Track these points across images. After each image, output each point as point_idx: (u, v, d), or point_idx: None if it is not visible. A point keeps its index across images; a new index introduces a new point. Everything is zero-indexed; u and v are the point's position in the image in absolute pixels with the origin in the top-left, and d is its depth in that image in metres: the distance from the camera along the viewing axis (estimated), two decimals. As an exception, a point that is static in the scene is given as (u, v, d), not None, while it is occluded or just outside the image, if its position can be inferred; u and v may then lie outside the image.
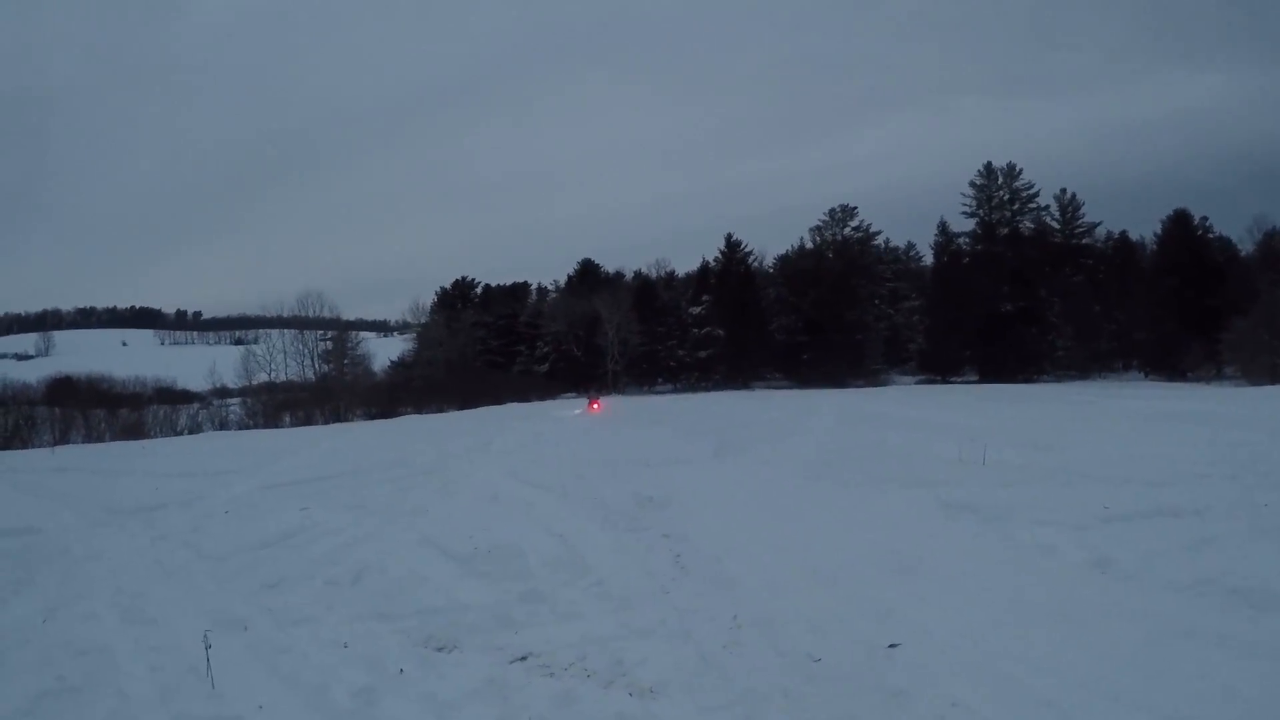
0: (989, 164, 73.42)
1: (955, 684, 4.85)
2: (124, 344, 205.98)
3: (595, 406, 40.50)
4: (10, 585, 8.39)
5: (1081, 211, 75.01)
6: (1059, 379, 62.98)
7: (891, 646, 5.50)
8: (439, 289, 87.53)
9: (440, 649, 5.98)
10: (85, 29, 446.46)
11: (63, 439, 33.21)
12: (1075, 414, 24.50)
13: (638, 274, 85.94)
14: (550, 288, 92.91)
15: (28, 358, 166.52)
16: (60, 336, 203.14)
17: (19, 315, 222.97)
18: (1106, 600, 6.28)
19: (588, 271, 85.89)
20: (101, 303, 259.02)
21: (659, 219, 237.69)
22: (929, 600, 6.42)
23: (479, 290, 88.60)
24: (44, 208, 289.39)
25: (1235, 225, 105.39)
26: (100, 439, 34.05)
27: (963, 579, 6.96)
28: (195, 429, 38.52)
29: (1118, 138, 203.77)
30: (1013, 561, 7.52)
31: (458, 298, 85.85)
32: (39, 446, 30.97)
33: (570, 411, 38.13)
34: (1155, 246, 69.83)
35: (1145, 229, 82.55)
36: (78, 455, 24.23)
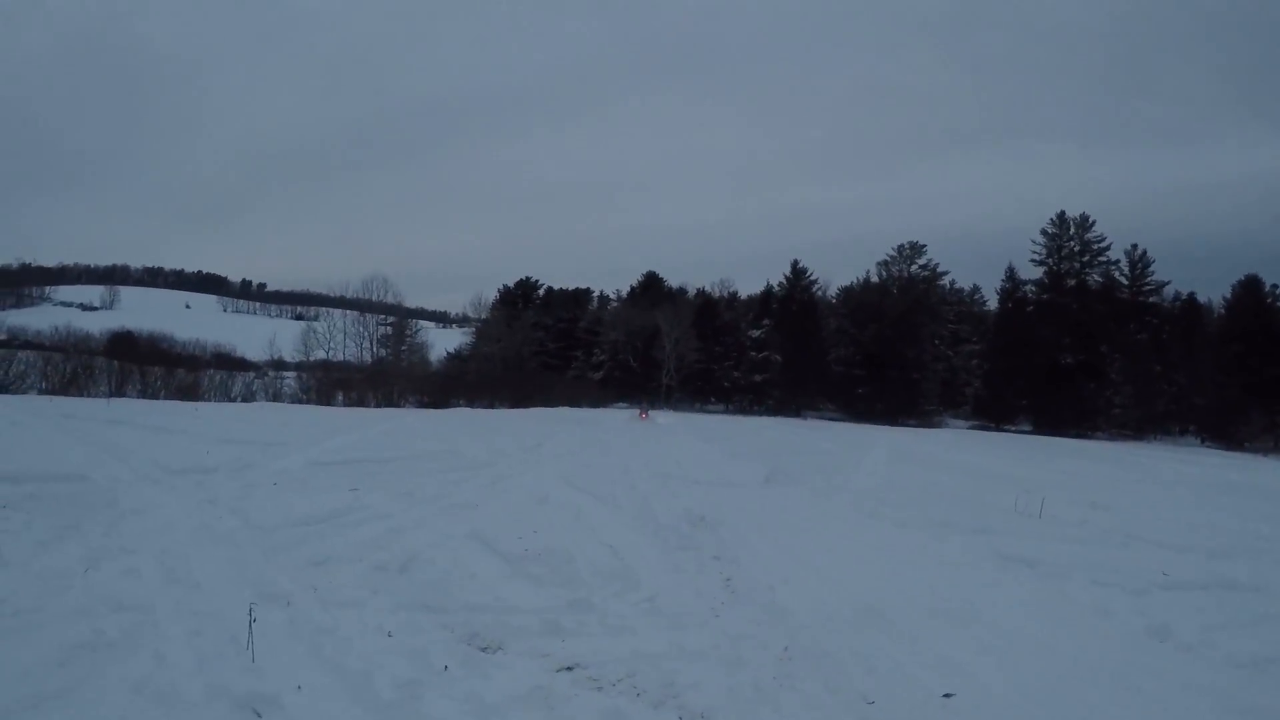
0: (1062, 213, 72.80)
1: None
2: (187, 306, 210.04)
3: (644, 416, 42.51)
4: (55, 530, 8.35)
5: (1151, 269, 73.98)
6: (1114, 437, 62.12)
7: (946, 696, 5.34)
8: (502, 286, 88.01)
9: (485, 649, 5.88)
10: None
11: (118, 392, 33.51)
12: (1132, 474, 24.16)
13: (700, 291, 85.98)
14: (612, 297, 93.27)
15: (93, 309, 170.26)
16: (126, 292, 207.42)
17: (88, 267, 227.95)
18: (1165, 670, 6.09)
19: (651, 284, 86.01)
20: (169, 264, 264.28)
21: (726, 238, 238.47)
22: (985, 652, 6.24)
23: (541, 291, 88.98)
24: (124, 165, 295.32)
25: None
26: (155, 396, 34.33)
27: (1019, 634, 6.76)
28: (249, 397, 38.75)
29: (1193, 196, 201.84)
30: (1070, 621, 7.32)
31: (520, 297, 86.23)
32: (95, 396, 31.28)
33: (621, 418, 38.89)
34: (1223, 310, 68.78)
35: (1214, 291, 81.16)
36: (132, 409, 24.36)
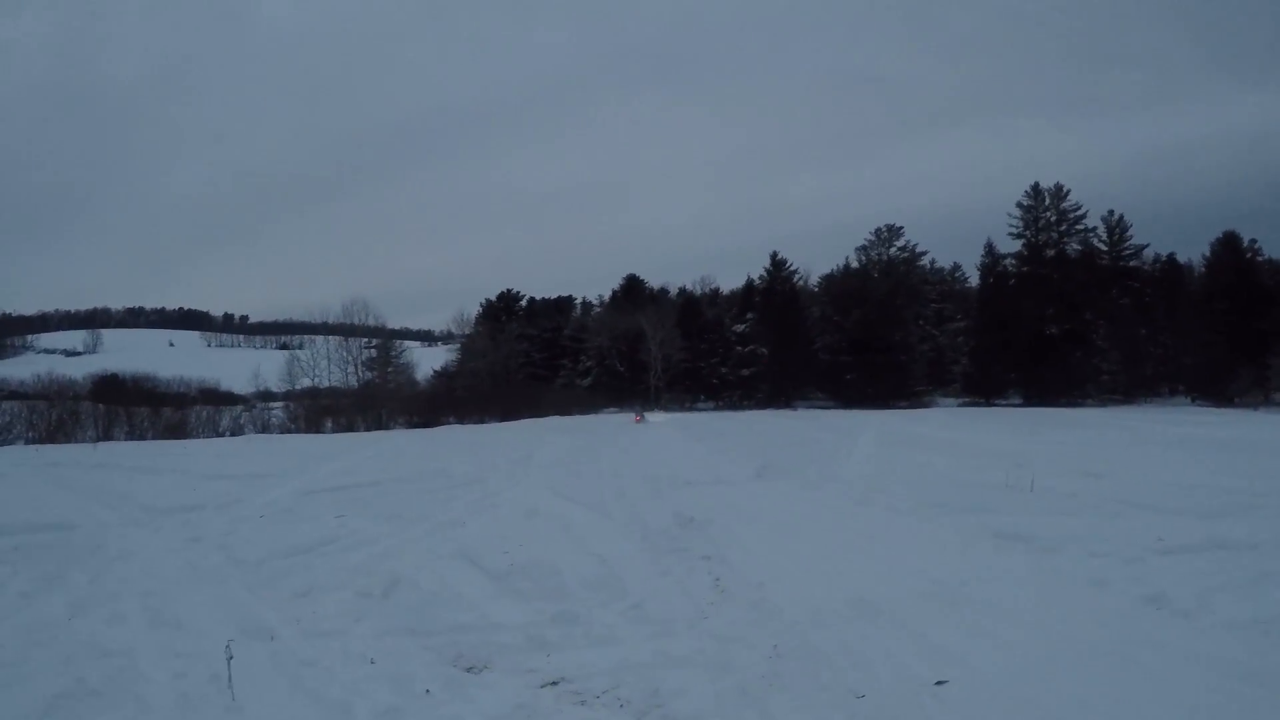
0: (1036, 185, 72.59)
1: (1007, 729, 4.60)
2: (171, 344, 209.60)
3: (639, 420, 43.46)
4: (40, 581, 8.34)
5: (1129, 233, 74.11)
6: (1104, 403, 62.09)
7: (939, 684, 5.25)
8: (484, 300, 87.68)
9: (470, 669, 5.83)
10: (150, 33, 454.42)
11: (106, 435, 33.45)
12: (1123, 440, 24.11)
13: (682, 290, 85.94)
14: (595, 302, 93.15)
15: (76, 354, 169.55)
16: (108, 335, 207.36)
17: (69, 312, 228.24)
18: (1163, 639, 5.98)
19: (632, 287, 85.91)
20: (150, 303, 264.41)
21: (705, 236, 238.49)
22: (978, 635, 6.15)
23: (524, 303, 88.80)
24: (98, 207, 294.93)
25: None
26: (143, 437, 34.26)
27: (1014, 613, 6.68)
28: (237, 431, 38.73)
29: (1167, 158, 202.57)
30: (1065, 595, 7.23)
31: (502, 310, 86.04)
32: (81, 442, 31.19)
33: (611, 424, 39.22)
34: (1204, 269, 68.65)
35: (1194, 251, 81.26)
36: (119, 452, 24.32)
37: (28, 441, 30.98)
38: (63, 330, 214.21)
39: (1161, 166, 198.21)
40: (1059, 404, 58.36)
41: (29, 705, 5.12)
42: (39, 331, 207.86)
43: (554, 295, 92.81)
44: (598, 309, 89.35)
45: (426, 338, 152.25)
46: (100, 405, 37.72)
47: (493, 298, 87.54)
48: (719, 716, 4.93)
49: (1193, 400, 61.59)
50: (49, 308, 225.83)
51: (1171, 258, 72.84)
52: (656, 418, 46.20)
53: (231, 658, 5.43)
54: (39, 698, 5.23)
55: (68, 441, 31.23)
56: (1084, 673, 5.38)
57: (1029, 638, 6.09)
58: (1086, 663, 5.55)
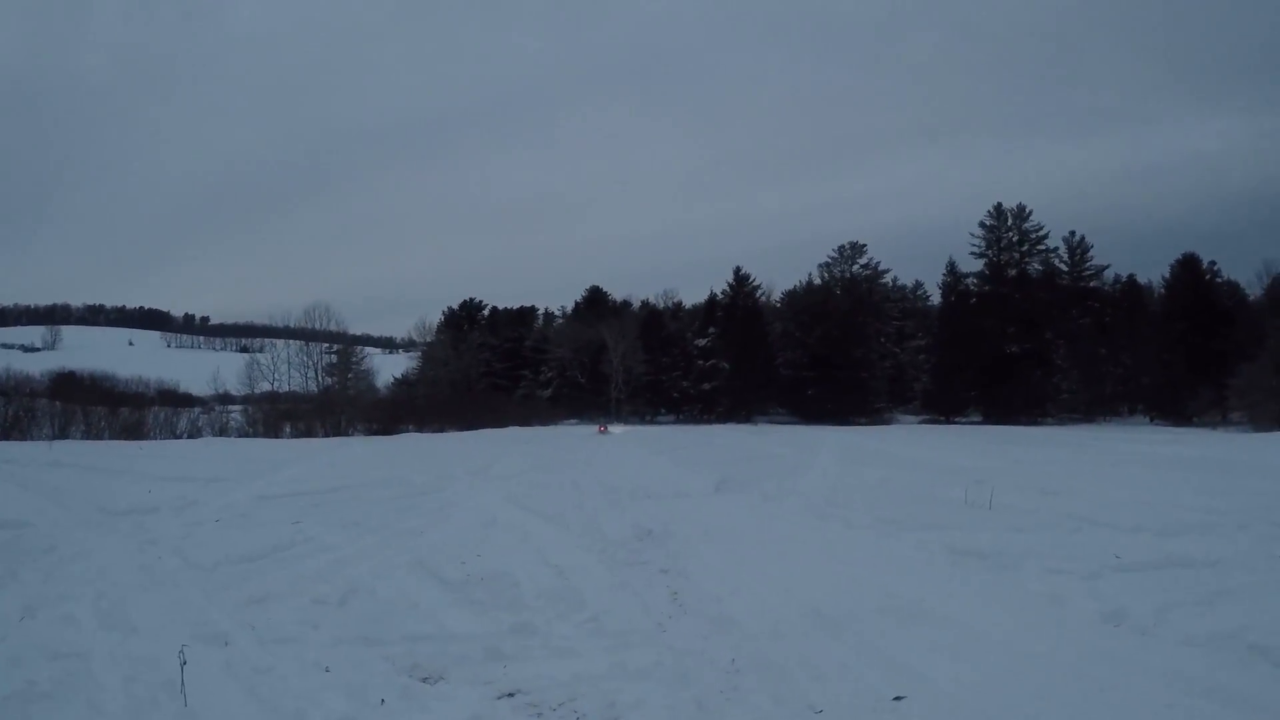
0: (999, 205, 73.49)
1: (964, 747, 4.62)
2: (130, 344, 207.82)
3: (603, 430, 44.64)
4: (-9, 579, 8.22)
5: (1090, 254, 75.28)
6: (1063, 422, 62.95)
7: (896, 699, 5.25)
8: (446, 309, 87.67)
9: (425, 679, 5.78)
10: (117, 30, 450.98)
11: (62, 434, 33.10)
12: (1081, 458, 24.40)
13: (645, 304, 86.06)
14: (557, 313, 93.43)
15: (34, 350, 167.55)
16: (67, 332, 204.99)
17: (28, 308, 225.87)
18: (1121, 655, 6.03)
19: (595, 299, 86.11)
20: (111, 301, 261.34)
21: (669, 249, 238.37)
22: (936, 650, 6.16)
23: (486, 312, 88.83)
24: (61, 203, 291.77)
25: (1244, 270, 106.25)
26: (99, 436, 33.95)
27: (972, 629, 6.70)
28: (195, 433, 38.47)
29: (1128, 180, 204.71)
30: (1023, 611, 7.28)
31: (465, 319, 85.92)
32: (37, 439, 30.83)
33: (573, 435, 39.46)
34: (1163, 290, 69.78)
35: (1154, 273, 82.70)
36: (75, 451, 24.05)
37: (-19, 437, 30.63)
38: (21, 325, 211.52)
39: (1124, 189, 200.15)
40: (1019, 422, 59.05)
41: (-24, 708, 5.03)
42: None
43: (516, 305, 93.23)
44: (560, 320, 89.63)
45: (388, 345, 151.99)
46: (57, 403, 37.42)
47: (455, 306, 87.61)
48: (675, 729, 4.91)
49: (1151, 419, 62.58)
50: (7, 302, 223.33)
51: (1132, 279, 73.97)
52: (616, 429, 46.98)
53: (185, 663, 5.36)
54: (-12, 700, 5.14)
55: (23, 439, 30.95)
56: (1042, 689, 5.39)
57: (987, 654, 6.10)
58: (1045, 679, 5.57)
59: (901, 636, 6.53)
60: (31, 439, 30.97)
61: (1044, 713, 5.02)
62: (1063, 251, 74.92)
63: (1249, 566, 8.62)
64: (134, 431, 35.91)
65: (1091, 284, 74.81)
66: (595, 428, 47.69)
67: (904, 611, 7.23)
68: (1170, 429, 50.00)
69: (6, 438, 30.75)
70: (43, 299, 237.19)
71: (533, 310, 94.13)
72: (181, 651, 5.48)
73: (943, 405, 69.72)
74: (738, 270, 78.02)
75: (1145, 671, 5.67)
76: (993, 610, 7.32)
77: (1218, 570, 8.53)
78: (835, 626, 6.80)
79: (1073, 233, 75.48)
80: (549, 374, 76.90)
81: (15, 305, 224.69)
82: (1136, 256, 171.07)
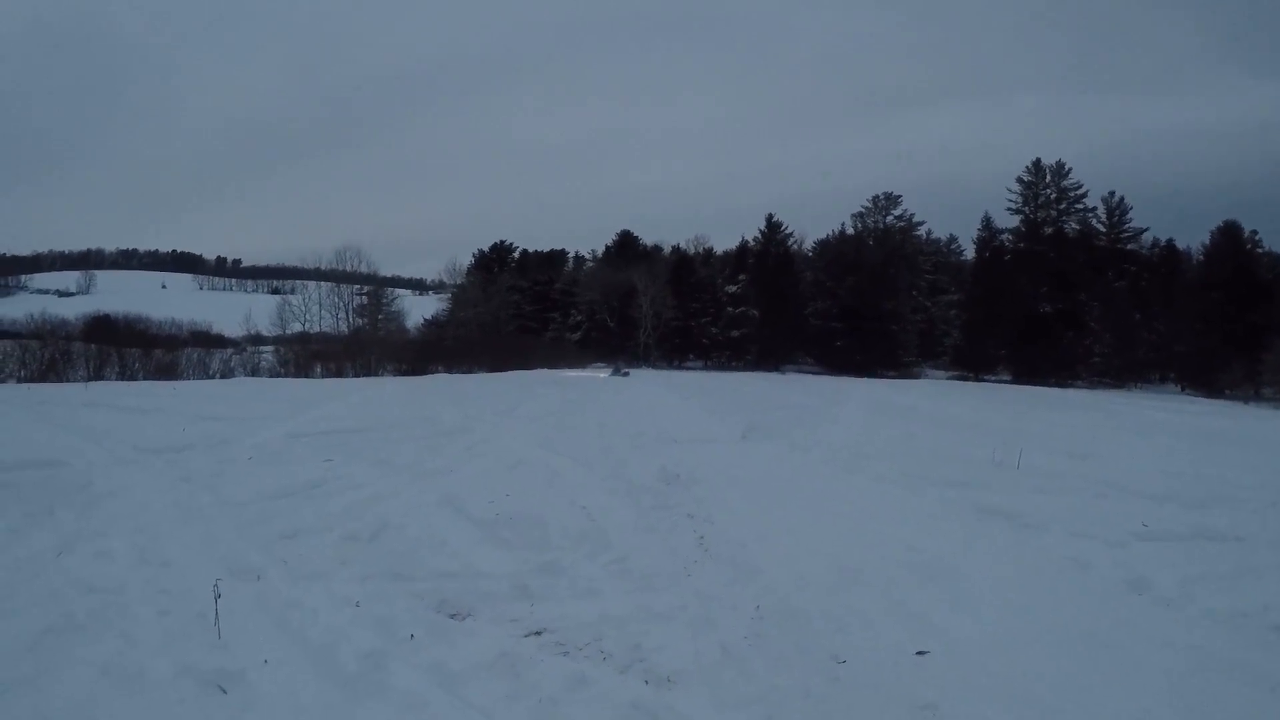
0: (1038, 161, 72.49)
1: (986, 704, 4.61)
2: (163, 287, 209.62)
3: (627, 374, 45.01)
4: (28, 517, 8.32)
5: (1129, 216, 74.13)
6: (1093, 385, 62.27)
7: (919, 654, 5.28)
8: (476, 251, 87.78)
9: (453, 616, 5.85)
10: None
11: (97, 375, 33.39)
12: (1111, 423, 24.21)
13: (675, 249, 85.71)
14: (588, 257, 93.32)
15: (69, 295, 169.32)
16: (102, 276, 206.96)
17: (63, 253, 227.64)
18: (1143, 625, 6.01)
19: (626, 243, 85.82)
20: (144, 245, 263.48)
21: (701, 196, 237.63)
22: (959, 608, 6.17)
23: (516, 255, 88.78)
24: (94, 150, 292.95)
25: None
26: (133, 377, 34.19)
27: (995, 589, 6.69)
28: (227, 373, 38.66)
29: (1172, 142, 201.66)
30: (1047, 574, 7.26)
31: (495, 261, 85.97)
32: (73, 381, 31.14)
33: (599, 378, 39.73)
34: (1202, 257, 68.60)
35: (1193, 238, 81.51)
36: (109, 392, 24.28)
37: (19, 380, 30.95)
38: (56, 271, 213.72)
39: (1166, 152, 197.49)
40: (1048, 383, 58.41)
41: (16, 639, 5.13)
42: (32, 272, 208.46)
43: (546, 248, 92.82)
44: (590, 264, 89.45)
45: (418, 286, 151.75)
46: (92, 345, 37.62)
47: (485, 249, 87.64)
48: (700, 673, 4.94)
49: (1182, 389, 61.63)
50: (43, 248, 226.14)
51: (1170, 243, 72.87)
52: (635, 373, 47.62)
53: (219, 596, 5.45)
54: (26, 632, 5.24)
55: (59, 380, 31.19)
56: (1063, 652, 5.39)
57: (1009, 614, 6.10)
58: (1065, 643, 5.57)
59: (925, 592, 6.55)
60: (67, 381, 31.26)
61: (1063, 675, 5.02)
62: (1101, 212, 73.98)
63: (1277, 545, 8.56)
64: (167, 372, 36.17)
65: (1129, 246, 73.74)
66: (611, 371, 48.01)
67: (928, 567, 7.23)
68: (1201, 400, 49.28)
69: (43, 380, 31.02)
70: (76, 244, 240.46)
71: (563, 254, 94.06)
72: (216, 585, 5.57)
73: (972, 362, 69.23)
74: (770, 217, 77.54)
75: (1166, 643, 5.65)
76: (1016, 571, 7.32)
77: (1245, 546, 8.48)
78: (859, 578, 6.82)
79: (1112, 193, 74.48)
80: (578, 317, 76.83)
81: (50, 250, 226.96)
82: (1177, 221, 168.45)
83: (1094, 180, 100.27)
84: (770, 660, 5.17)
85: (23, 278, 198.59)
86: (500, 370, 45.81)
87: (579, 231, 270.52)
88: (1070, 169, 71.99)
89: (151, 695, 4.51)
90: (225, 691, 4.55)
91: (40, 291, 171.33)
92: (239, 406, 19.80)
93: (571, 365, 54.65)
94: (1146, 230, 74.21)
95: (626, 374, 45.07)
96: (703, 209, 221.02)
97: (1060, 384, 60.00)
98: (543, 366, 50.12)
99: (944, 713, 4.52)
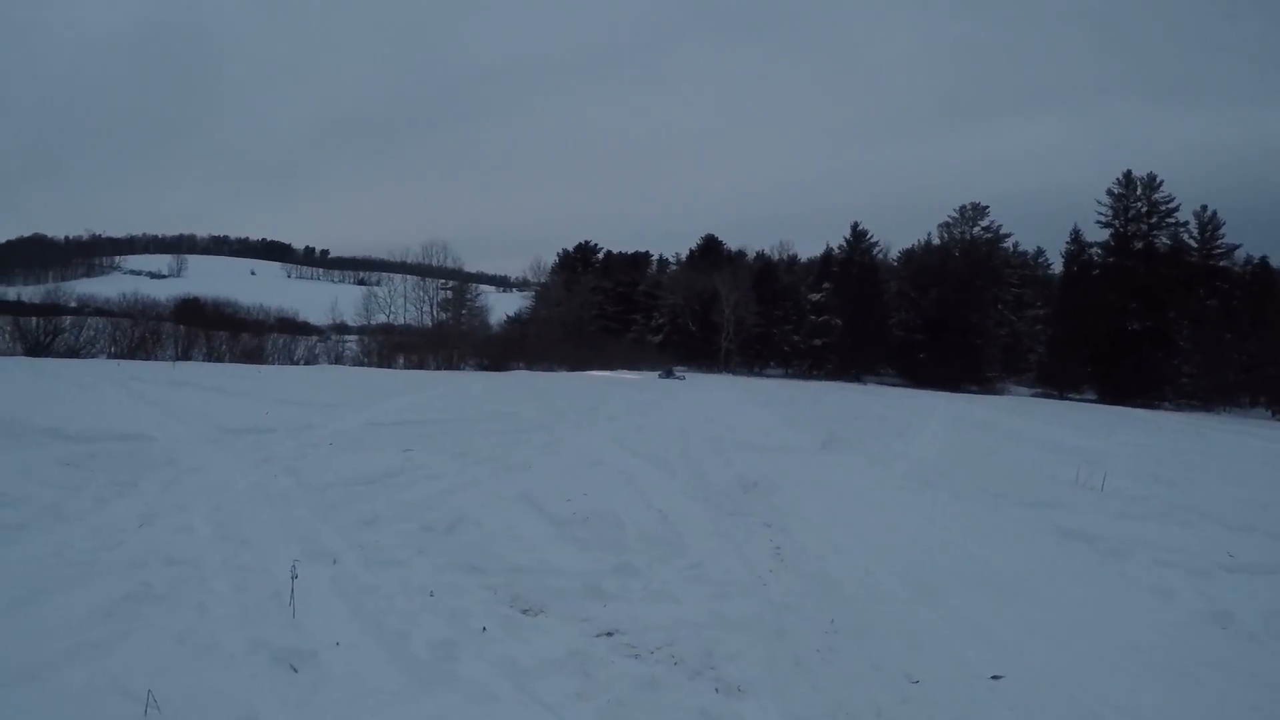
0: (1128, 173, 70.91)
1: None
2: (252, 273, 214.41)
3: (682, 378, 46.51)
4: (114, 487, 8.57)
5: (1221, 231, 71.93)
6: (1180, 407, 60.55)
7: (994, 678, 5.15)
8: (561, 250, 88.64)
9: (526, 611, 5.85)
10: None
11: (185, 355, 34.20)
12: (1198, 447, 23.51)
13: (759, 254, 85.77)
14: (671, 260, 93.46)
15: (161, 277, 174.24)
16: (193, 260, 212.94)
17: (156, 236, 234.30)
18: (1225, 659, 5.78)
19: (710, 247, 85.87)
20: (235, 232, 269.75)
21: (786, 200, 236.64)
22: (1037, 632, 6.02)
23: (600, 255, 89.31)
24: (189, 139, 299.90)
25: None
26: (220, 359, 34.96)
27: (1074, 614, 6.52)
28: (311, 360, 39.35)
29: (1269, 156, 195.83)
30: (1128, 601, 7.04)
31: (579, 260, 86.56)
32: (162, 360, 31.85)
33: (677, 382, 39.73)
34: (1297, 276, 66.59)
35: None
36: (196, 372, 24.83)
37: (110, 356, 31.75)
38: (149, 253, 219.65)
39: (1262, 164, 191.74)
40: (1134, 404, 57.05)
41: (95, 603, 5.24)
42: (126, 253, 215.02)
43: (631, 250, 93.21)
44: (674, 267, 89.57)
45: (502, 283, 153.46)
46: (181, 326, 38.55)
47: (570, 248, 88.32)
48: (771, 683, 4.88)
49: (1273, 414, 59.61)
50: (137, 231, 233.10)
51: (1264, 261, 70.60)
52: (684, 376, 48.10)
53: (296, 576, 5.52)
54: (106, 598, 5.35)
55: (148, 359, 31.96)
56: (1143, 683, 5.23)
57: (1088, 640, 5.94)
58: (1145, 673, 5.41)
59: (1002, 613, 6.41)
60: (156, 359, 31.99)
61: (1142, 707, 4.86)
62: (1193, 227, 71.85)
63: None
64: (253, 356, 36.95)
65: (1221, 264, 71.57)
66: (660, 374, 48.02)
67: (1006, 588, 7.09)
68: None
69: (132, 357, 31.80)
70: (170, 229, 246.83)
71: (646, 256, 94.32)
72: (294, 565, 5.65)
73: (1057, 379, 68.02)
74: (855, 225, 77.15)
75: (1249, 678, 5.46)
76: (1096, 596, 7.12)
77: (1334, 584, 8.18)
78: (935, 596, 6.70)
79: (1204, 207, 72.37)
80: (660, 320, 77.09)
81: (145, 234, 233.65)
82: (1271, 239, 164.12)
83: (1186, 192, 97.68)
84: (842, 675, 5.09)
85: (116, 259, 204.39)
86: (580, 369, 46.11)
87: (662, 233, 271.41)
88: (1162, 181, 70.33)
89: (224, 667, 4.58)
90: (296, 670, 4.60)
91: (133, 272, 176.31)
92: (321, 393, 20.10)
93: (651, 367, 54.69)
94: (1239, 247, 72.13)
95: (682, 377, 45.01)
96: (787, 213, 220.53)
97: (1146, 405, 58.58)
98: (622, 368, 50.35)
99: (1020, 741, 4.41)
